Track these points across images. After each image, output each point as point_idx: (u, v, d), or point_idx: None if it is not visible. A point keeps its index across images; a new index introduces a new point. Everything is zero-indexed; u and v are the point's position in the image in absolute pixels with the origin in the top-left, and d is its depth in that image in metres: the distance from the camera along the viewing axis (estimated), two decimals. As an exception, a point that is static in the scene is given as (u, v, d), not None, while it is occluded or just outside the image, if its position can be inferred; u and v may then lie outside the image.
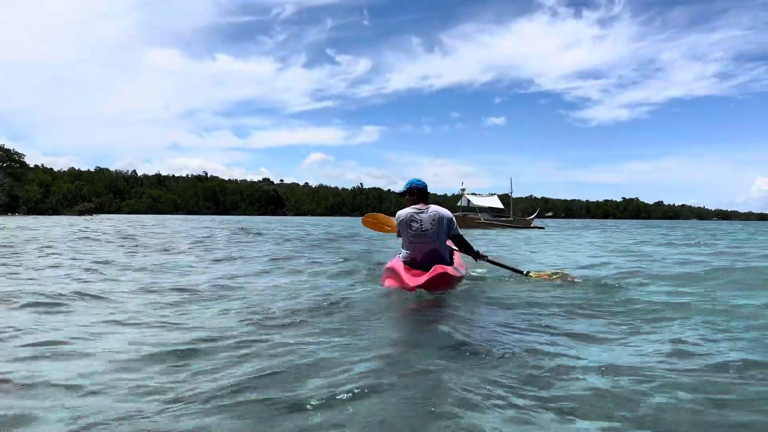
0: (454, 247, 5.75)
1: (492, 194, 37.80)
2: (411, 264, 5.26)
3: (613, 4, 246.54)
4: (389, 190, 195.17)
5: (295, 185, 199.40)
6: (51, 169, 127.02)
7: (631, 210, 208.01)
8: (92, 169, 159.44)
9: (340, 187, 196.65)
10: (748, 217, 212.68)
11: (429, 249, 5.16)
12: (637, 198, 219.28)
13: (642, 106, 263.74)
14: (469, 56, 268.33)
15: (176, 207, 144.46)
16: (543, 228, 34.89)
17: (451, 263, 5.41)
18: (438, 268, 4.72)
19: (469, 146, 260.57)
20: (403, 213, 5.28)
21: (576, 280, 5.87)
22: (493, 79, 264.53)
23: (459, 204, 37.25)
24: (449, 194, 35.95)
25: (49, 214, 61.72)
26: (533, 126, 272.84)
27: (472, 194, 36.71)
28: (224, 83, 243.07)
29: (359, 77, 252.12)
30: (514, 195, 38.01)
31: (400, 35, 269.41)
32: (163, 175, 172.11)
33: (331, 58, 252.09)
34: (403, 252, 5.37)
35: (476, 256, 5.68)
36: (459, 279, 5.31)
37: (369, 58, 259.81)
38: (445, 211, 5.27)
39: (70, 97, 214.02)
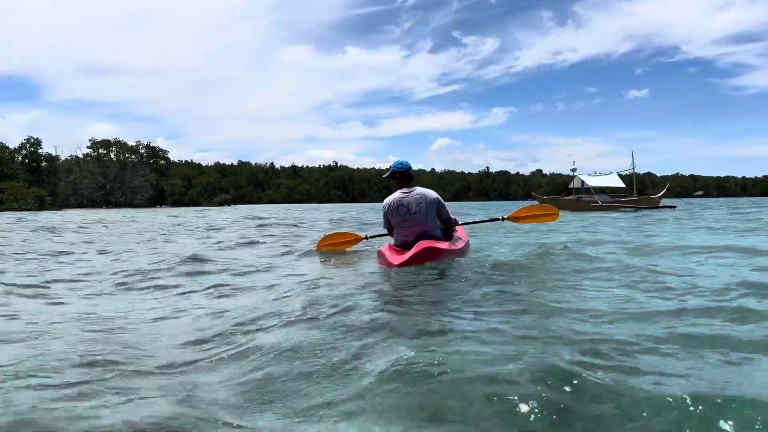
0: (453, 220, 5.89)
1: (610, 173, 34.34)
2: (402, 247, 5.34)
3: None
4: (518, 173, 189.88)
5: (421, 171, 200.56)
6: (197, 163, 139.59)
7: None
8: (235, 163, 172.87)
9: (466, 172, 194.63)
10: None
11: (419, 231, 5.27)
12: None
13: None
14: (605, 26, 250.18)
15: (310, 196, 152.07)
16: (674, 207, 31.46)
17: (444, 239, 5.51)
18: (422, 244, 4.90)
19: (608, 123, 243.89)
20: (388, 200, 5.43)
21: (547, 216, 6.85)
22: (634, 48, 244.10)
23: (572, 186, 34.19)
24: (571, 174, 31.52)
25: (191, 206, 67.64)
26: (680, 97, 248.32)
27: (587, 175, 33.61)
28: (353, 75, 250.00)
29: (486, 58, 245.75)
30: (639, 170, 34.50)
31: (529, 10, 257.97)
32: (298, 166, 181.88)
33: (458, 41, 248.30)
34: (395, 237, 5.51)
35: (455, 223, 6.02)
36: (452, 252, 5.23)
37: (496, 36, 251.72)
38: (431, 192, 5.41)
39: (215, 97, 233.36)
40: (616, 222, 15.75)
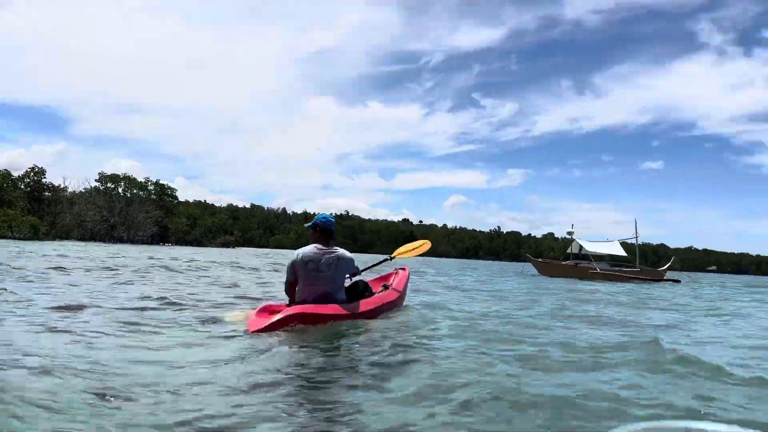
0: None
1: (611, 241, 32.96)
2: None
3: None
4: (530, 234, 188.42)
5: (434, 226, 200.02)
6: (210, 204, 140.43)
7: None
8: (248, 206, 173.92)
9: (477, 230, 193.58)
10: None
11: (321, 292, 5.05)
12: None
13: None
14: (623, 98, 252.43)
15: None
16: (679, 281, 30.10)
17: (346, 302, 5.26)
18: (294, 309, 4.71)
19: (623, 191, 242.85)
20: (299, 252, 5.19)
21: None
22: (651, 121, 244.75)
23: (569, 251, 32.63)
24: (603, 239, 30.01)
25: (194, 245, 67.19)
26: (696, 171, 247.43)
27: (586, 240, 32.24)
28: (374, 128, 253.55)
29: (504, 120, 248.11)
30: (653, 241, 33.26)
31: (548, 78, 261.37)
32: (309, 212, 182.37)
33: (476, 102, 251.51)
34: (296, 294, 5.19)
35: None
36: (344, 317, 4.92)
37: (515, 101, 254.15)
38: (347, 253, 5.25)
39: (239, 141, 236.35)
40: (606, 292, 14.80)
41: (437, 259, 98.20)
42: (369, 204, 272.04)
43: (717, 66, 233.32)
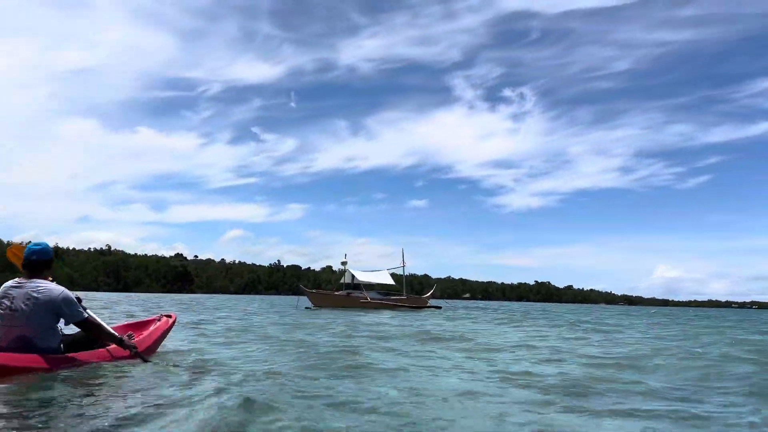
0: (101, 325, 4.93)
1: (381, 270, 34.57)
2: None
3: (525, 100, 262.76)
4: (308, 268, 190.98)
5: (210, 261, 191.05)
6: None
7: (543, 293, 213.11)
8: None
9: (257, 264, 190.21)
10: (652, 302, 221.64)
11: (17, 335, 4.23)
12: (548, 282, 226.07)
13: (552, 195, 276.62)
14: (392, 141, 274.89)
15: (72, 282, 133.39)
16: (440, 308, 32.59)
17: (57, 352, 4.40)
18: None
19: (392, 227, 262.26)
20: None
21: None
22: (415, 163, 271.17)
23: (342, 281, 33.37)
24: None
25: None
26: (453, 209, 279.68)
27: (359, 270, 33.27)
28: (144, 156, 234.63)
29: (285, 155, 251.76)
30: (417, 272, 35.62)
31: (326, 118, 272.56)
32: (61, 247, 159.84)
33: (257, 136, 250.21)
34: None
35: (112, 338, 4.88)
36: (46, 370, 4.13)
37: (295, 137, 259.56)
38: (54, 289, 4.35)
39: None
40: (376, 322, 14.92)
41: (206, 296, 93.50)
42: (137, 238, 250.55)
43: (468, 117, 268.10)
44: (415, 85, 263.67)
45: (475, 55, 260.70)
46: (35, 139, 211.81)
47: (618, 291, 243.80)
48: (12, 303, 4.26)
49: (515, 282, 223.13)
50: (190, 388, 4.13)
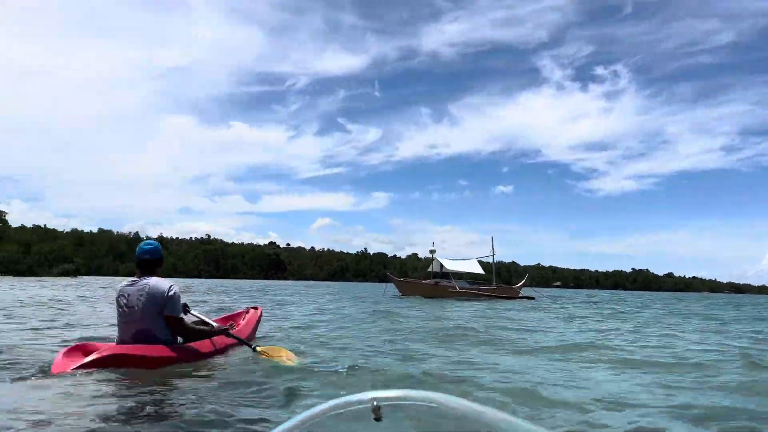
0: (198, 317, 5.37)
1: (470, 258, 33.90)
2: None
3: (619, 78, 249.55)
4: (395, 255, 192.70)
5: (301, 249, 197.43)
6: (52, 229, 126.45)
7: (640, 281, 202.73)
8: (95, 231, 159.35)
9: (345, 252, 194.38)
10: (762, 290, 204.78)
11: (137, 330, 4.58)
12: (646, 269, 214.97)
13: (649, 177, 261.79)
14: (476, 126, 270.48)
15: (175, 270, 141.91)
16: (533, 298, 31.47)
17: (175, 343, 4.76)
18: (110, 349, 4.26)
19: (477, 214, 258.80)
20: (117, 287, 4.78)
21: (295, 360, 5.08)
22: (501, 148, 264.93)
23: (430, 269, 32.99)
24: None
25: (27, 276, 59.31)
26: (541, 195, 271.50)
27: (446, 259, 32.83)
28: (238, 149, 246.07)
29: (369, 145, 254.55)
30: (504, 259, 34.67)
31: (409, 106, 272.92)
32: (166, 237, 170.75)
33: (342, 127, 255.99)
34: (118, 332, 4.72)
35: (213, 333, 5.18)
36: (173, 360, 4.54)
37: (379, 126, 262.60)
38: (161, 284, 4.64)
39: (84, 160, 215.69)
40: (461, 312, 14.65)
41: (299, 282, 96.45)
42: (233, 227, 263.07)
43: (556, 98, 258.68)
44: (500, 68, 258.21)
45: (563, 34, 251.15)
46: (139, 135, 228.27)
47: (723, 278, 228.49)
48: (128, 300, 4.59)
49: (609, 269, 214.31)
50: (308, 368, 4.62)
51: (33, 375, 4.07)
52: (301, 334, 7.73)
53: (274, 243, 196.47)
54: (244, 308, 7.06)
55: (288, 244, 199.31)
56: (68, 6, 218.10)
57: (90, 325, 8.57)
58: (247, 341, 5.54)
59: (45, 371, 4.10)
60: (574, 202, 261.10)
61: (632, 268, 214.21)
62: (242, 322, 6.30)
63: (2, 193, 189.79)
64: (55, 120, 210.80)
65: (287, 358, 5.11)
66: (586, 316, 15.04)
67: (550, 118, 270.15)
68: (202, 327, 5.17)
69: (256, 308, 6.94)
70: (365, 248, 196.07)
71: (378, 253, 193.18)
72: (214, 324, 5.45)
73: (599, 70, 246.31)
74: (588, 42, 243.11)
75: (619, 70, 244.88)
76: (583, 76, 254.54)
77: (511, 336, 8.55)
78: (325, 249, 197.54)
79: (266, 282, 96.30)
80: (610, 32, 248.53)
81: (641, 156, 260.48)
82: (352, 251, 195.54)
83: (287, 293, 29.79)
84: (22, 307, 12.32)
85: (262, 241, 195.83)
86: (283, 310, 13.85)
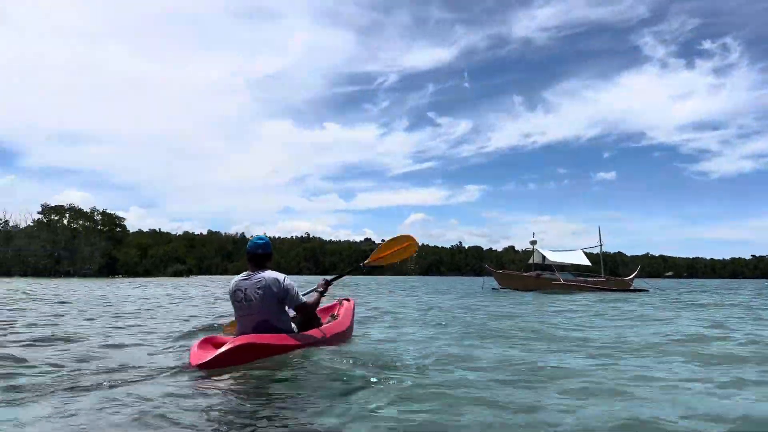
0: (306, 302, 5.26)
1: (574, 249, 32.00)
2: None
3: (729, 52, 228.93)
4: (490, 248, 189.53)
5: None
6: (165, 232, 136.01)
7: (762, 268, 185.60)
8: (205, 233, 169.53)
9: (439, 246, 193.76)
10: None
11: (257, 321, 4.74)
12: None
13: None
14: (573, 112, 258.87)
15: (279, 267, 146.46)
16: (647, 290, 29.01)
17: (293, 331, 4.96)
18: (241, 339, 4.45)
19: (578, 203, 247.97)
20: (231, 282, 4.96)
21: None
22: (601, 133, 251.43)
23: (531, 261, 31.73)
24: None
25: (144, 276, 64.05)
26: (647, 180, 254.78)
27: (548, 250, 31.22)
28: (332, 149, 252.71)
29: (460, 137, 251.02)
30: (609, 249, 32.40)
31: (500, 95, 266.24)
32: (270, 237, 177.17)
33: (432, 121, 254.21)
34: (237, 326, 4.93)
35: (321, 294, 5.59)
36: (294, 347, 4.72)
37: (469, 118, 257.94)
38: (275, 276, 4.77)
39: (193, 167, 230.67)
40: (567, 306, 13.60)
41: (398, 277, 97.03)
42: (330, 225, 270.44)
43: (661, 77, 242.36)
44: (597, 49, 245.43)
45: (665, 9, 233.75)
46: (241, 140, 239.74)
47: None
48: (245, 294, 4.73)
49: (727, 257, 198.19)
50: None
51: (177, 368, 4.35)
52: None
53: (370, 239, 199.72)
54: (336, 300, 7.31)
55: (383, 240, 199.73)
56: (177, 20, 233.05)
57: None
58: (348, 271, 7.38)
59: (185, 363, 4.42)
60: (685, 185, 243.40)
61: (752, 255, 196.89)
62: (340, 313, 6.55)
63: (122, 201, 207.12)
64: (167, 129, 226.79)
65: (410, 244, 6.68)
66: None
67: (655, 98, 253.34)
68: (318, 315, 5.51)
69: (348, 299, 7.13)
70: (459, 242, 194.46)
71: (473, 246, 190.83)
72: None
73: (706, 45, 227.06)
74: (693, 15, 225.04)
75: (729, 43, 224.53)
76: (689, 51, 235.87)
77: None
78: (420, 244, 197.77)
79: (360, 278, 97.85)
80: (716, 3, 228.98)
81: (757, 134, 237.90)
82: (446, 245, 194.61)
83: (387, 288, 29.81)
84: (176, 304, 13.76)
85: (358, 238, 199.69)
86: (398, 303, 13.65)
